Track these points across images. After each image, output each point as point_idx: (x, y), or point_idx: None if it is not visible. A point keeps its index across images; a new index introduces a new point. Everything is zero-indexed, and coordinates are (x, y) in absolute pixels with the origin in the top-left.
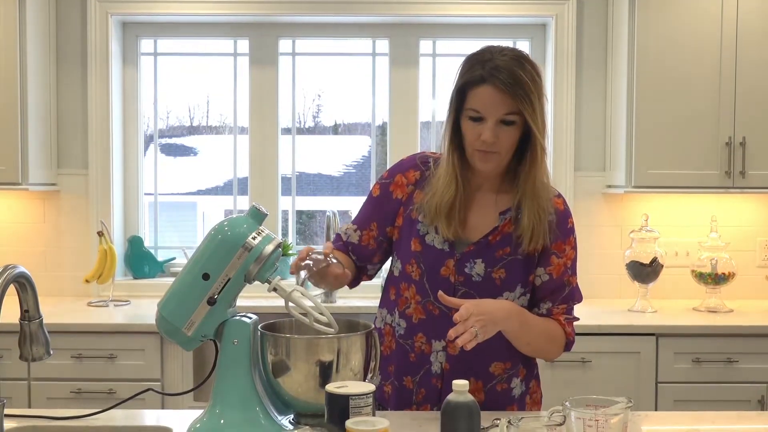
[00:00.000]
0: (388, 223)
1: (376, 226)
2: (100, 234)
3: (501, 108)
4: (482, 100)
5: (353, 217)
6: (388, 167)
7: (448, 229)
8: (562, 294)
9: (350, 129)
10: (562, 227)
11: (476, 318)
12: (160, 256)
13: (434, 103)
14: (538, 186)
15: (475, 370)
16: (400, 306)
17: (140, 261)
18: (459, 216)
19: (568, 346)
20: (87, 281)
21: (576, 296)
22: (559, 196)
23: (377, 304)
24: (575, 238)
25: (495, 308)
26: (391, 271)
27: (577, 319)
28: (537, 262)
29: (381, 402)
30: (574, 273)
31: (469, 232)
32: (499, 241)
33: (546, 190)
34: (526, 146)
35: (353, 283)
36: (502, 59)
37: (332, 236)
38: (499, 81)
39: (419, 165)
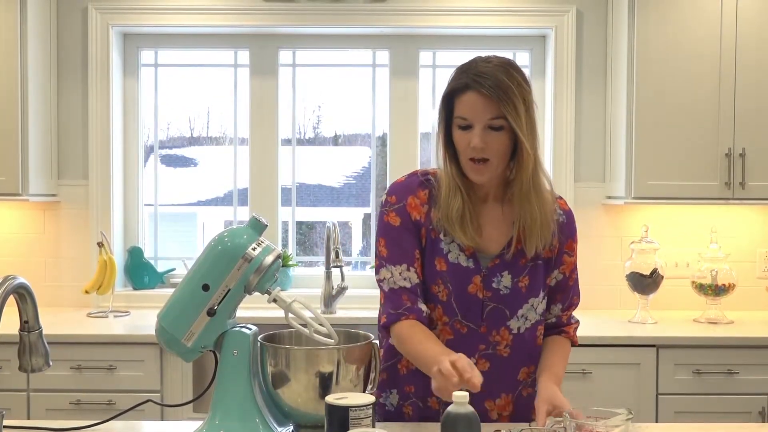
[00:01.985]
0: (421, 245)
1: (419, 253)
2: (100, 245)
3: (486, 113)
4: (468, 106)
5: (385, 256)
6: (388, 178)
7: (465, 237)
8: (569, 294)
9: (350, 140)
10: (571, 226)
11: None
12: (160, 267)
13: (434, 114)
14: (524, 191)
15: (504, 382)
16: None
17: (140, 272)
18: (472, 224)
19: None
20: (87, 292)
21: (575, 299)
22: (560, 197)
23: (377, 314)
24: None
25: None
26: None
27: (578, 322)
28: (553, 264)
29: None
30: (576, 270)
31: (487, 244)
32: (519, 249)
33: (538, 192)
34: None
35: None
36: (486, 66)
37: (332, 249)
38: (482, 86)
39: (425, 182)
